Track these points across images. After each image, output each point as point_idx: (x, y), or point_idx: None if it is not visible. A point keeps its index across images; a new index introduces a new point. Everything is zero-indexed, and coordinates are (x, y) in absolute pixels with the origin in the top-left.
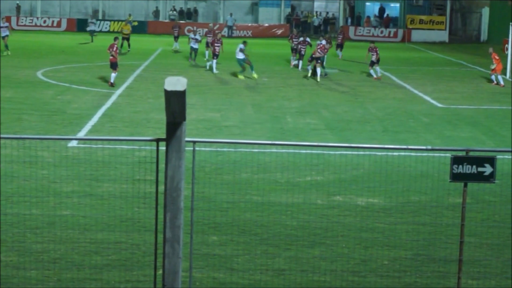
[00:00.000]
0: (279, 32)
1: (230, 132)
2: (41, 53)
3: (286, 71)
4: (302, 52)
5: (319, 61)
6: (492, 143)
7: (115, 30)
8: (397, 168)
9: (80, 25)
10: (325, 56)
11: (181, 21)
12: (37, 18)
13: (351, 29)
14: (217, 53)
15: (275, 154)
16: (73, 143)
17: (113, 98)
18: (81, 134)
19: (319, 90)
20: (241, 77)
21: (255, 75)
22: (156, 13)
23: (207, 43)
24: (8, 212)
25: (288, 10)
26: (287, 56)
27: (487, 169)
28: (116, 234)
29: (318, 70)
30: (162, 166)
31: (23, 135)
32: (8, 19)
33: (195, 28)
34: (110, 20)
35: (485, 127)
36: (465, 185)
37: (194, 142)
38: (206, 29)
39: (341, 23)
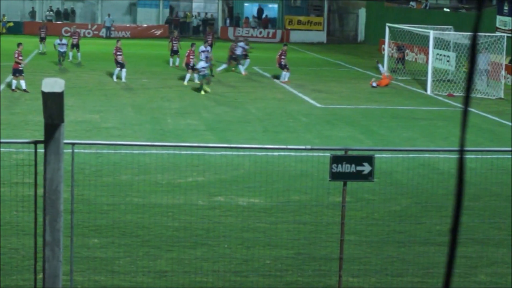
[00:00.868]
0: (158, 33)
1: (110, 134)
2: None
3: (165, 72)
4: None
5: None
6: (370, 142)
7: None
8: (277, 168)
9: None
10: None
11: (58, 22)
12: None
13: (230, 29)
14: (120, 61)
15: (155, 155)
16: None
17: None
18: None
19: (198, 91)
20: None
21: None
22: (33, 13)
23: (72, 45)
24: None
25: (167, 10)
26: (166, 57)
27: (366, 168)
28: None
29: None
30: (40, 168)
31: None
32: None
33: (64, 32)
34: None
35: (363, 127)
36: (345, 184)
37: (73, 144)
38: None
39: (220, 23)
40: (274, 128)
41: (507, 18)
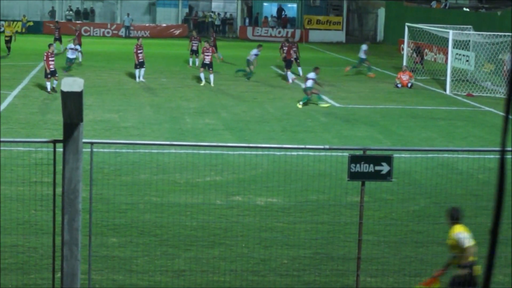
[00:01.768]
0: (177, 32)
1: (129, 133)
2: None
3: (184, 71)
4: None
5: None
6: (388, 142)
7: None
8: (295, 168)
9: None
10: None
11: (77, 21)
12: None
13: (249, 29)
14: (141, 59)
15: (173, 155)
16: None
17: (9, 99)
18: None
19: (217, 90)
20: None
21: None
22: (52, 13)
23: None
24: None
25: (186, 10)
26: (185, 57)
27: (384, 168)
28: (12, 237)
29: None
30: (59, 167)
31: None
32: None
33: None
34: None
35: (382, 126)
36: (363, 184)
37: (92, 143)
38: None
39: (239, 23)
40: (292, 128)
41: None
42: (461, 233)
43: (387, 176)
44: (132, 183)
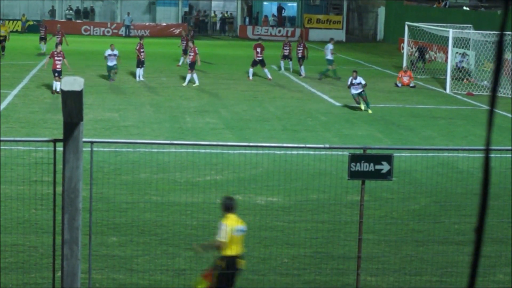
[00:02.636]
0: (177, 31)
1: (129, 132)
2: None
3: (184, 70)
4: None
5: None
6: (389, 141)
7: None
8: (295, 167)
9: None
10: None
11: (77, 20)
12: None
13: (249, 28)
14: (142, 59)
15: (174, 154)
16: None
17: (9, 98)
18: None
19: (217, 89)
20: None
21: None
22: (52, 12)
23: (56, 44)
24: None
25: (186, 9)
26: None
27: (384, 167)
28: (13, 236)
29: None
30: (59, 167)
31: None
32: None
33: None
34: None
35: (382, 125)
36: (363, 183)
37: (92, 142)
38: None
39: (239, 22)
40: (293, 127)
41: None
42: (224, 224)
43: (387, 175)
44: (132, 182)
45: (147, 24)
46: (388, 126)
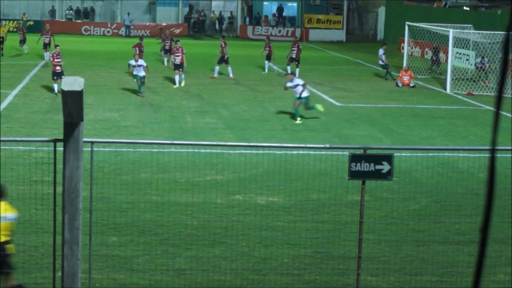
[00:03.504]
0: (177, 31)
1: (129, 132)
2: None
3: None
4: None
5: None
6: (389, 140)
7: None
8: (296, 167)
9: None
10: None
11: (78, 20)
12: None
13: (249, 28)
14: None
15: (174, 154)
16: None
17: (9, 98)
18: None
19: (218, 89)
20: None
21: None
22: (53, 12)
23: (44, 44)
24: None
25: (186, 9)
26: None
27: (385, 167)
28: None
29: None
30: (60, 167)
31: None
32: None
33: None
34: (5, 19)
35: (382, 125)
36: (363, 183)
37: (92, 142)
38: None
39: (239, 22)
40: (293, 127)
41: None
42: None
43: (388, 175)
44: (133, 182)
45: (147, 24)
46: (389, 126)
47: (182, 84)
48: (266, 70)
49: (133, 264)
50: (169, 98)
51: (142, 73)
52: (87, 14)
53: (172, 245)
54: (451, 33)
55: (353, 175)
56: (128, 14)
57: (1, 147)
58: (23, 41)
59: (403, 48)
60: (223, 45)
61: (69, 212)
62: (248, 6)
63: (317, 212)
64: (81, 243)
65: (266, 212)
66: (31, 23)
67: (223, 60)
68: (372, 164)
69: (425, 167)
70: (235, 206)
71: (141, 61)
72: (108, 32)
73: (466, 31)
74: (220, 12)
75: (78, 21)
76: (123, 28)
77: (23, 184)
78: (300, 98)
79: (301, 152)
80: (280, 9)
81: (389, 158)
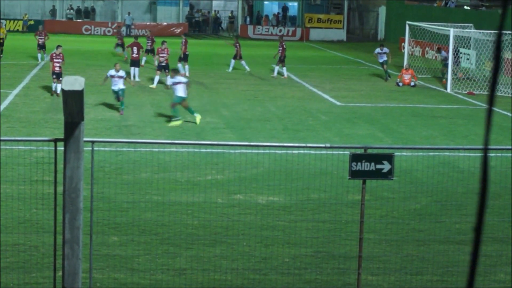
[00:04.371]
0: (178, 31)
1: (130, 132)
2: None
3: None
4: None
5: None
6: (389, 140)
7: (11, 29)
8: (296, 166)
9: None
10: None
11: (78, 20)
12: None
13: (250, 28)
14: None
15: (175, 154)
16: None
17: (10, 98)
18: None
19: (218, 89)
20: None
21: None
22: (53, 12)
23: (39, 46)
24: None
25: (187, 9)
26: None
27: (385, 166)
28: (14, 236)
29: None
30: (60, 166)
31: None
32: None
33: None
34: (6, 19)
35: (383, 125)
36: (364, 182)
37: (93, 142)
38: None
39: (240, 22)
40: (293, 126)
41: None
42: None
43: (388, 175)
44: (133, 181)
45: (148, 23)
46: (389, 125)
47: (152, 86)
48: (276, 73)
49: (134, 263)
50: (169, 98)
51: (121, 86)
52: (87, 13)
53: (172, 245)
54: (452, 32)
55: (354, 174)
56: (129, 13)
57: (2, 147)
58: (43, 47)
59: (403, 47)
60: (237, 46)
61: (70, 211)
62: (249, 5)
63: (318, 211)
64: (81, 242)
65: (267, 212)
66: (32, 22)
67: (237, 58)
68: (372, 164)
69: (425, 166)
70: (235, 205)
71: (121, 72)
72: (109, 31)
73: (467, 30)
74: (218, 12)
75: (78, 20)
76: (123, 28)
77: (23, 184)
78: (178, 97)
79: (301, 151)
80: (284, 9)
81: (389, 158)
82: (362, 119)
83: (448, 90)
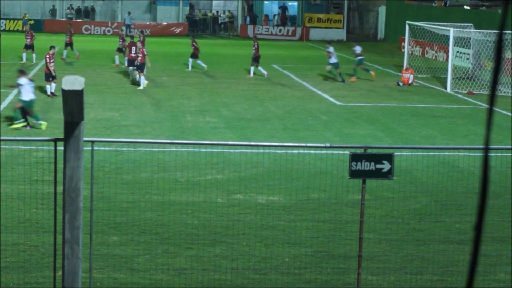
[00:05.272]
0: (178, 30)
1: (129, 132)
2: None
3: (184, 70)
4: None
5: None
6: (389, 140)
7: (11, 29)
8: (296, 166)
9: None
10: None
11: (78, 20)
12: None
13: (250, 27)
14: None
15: (174, 153)
16: None
17: (10, 98)
18: None
19: (218, 88)
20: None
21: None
22: (53, 11)
23: (66, 44)
24: None
25: (187, 8)
26: (186, 55)
27: (385, 166)
28: (14, 235)
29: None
30: (60, 166)
31: None
32: None
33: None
34: (6, 19)
35: (383, 124)
36: (364, 182)
37: (93, 141)
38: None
39: (240, 21)
40: (293, 126)
41: None
42: None
43: (388, 174)
44: (133, 181)
45: (147, 23)
46: (389, 125)
47: (141, 87)
48: (252, 73)
49: (134, 263)
50: (169, 98)
51: (31, 96)
52: (87, 13)
53: (172, 245)
54: (452, 32)
55: (354, 174)
56: (129, 13)
57: (2, 147)
58: (30, 48)
59: (403, 47)
60: (255, 46)
61: (70, 211)
62: (249, 5)
63: (318, 211)
64: (81, 242)
65: (267, 211)
66: (32, 22)
67: (256, 60)
68: (372, 163)
69: (425, 166)
70: (235, 205)
71: (24, 80)
72: (109, 31)
73: (466, 30)
74: (217, 12)
75: (78, 20)
76: (123, 28)
77: (23, 184)
78: (22, 100)
79: (301, 151)
80: (284, 9)
81: (389, 157)
82: (362, 119)
83: (448, 89)
